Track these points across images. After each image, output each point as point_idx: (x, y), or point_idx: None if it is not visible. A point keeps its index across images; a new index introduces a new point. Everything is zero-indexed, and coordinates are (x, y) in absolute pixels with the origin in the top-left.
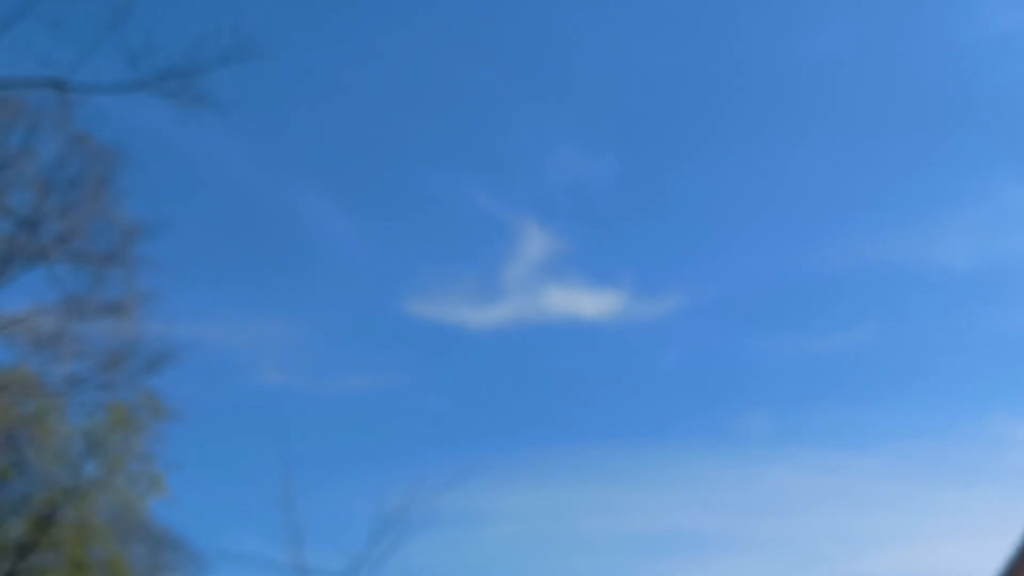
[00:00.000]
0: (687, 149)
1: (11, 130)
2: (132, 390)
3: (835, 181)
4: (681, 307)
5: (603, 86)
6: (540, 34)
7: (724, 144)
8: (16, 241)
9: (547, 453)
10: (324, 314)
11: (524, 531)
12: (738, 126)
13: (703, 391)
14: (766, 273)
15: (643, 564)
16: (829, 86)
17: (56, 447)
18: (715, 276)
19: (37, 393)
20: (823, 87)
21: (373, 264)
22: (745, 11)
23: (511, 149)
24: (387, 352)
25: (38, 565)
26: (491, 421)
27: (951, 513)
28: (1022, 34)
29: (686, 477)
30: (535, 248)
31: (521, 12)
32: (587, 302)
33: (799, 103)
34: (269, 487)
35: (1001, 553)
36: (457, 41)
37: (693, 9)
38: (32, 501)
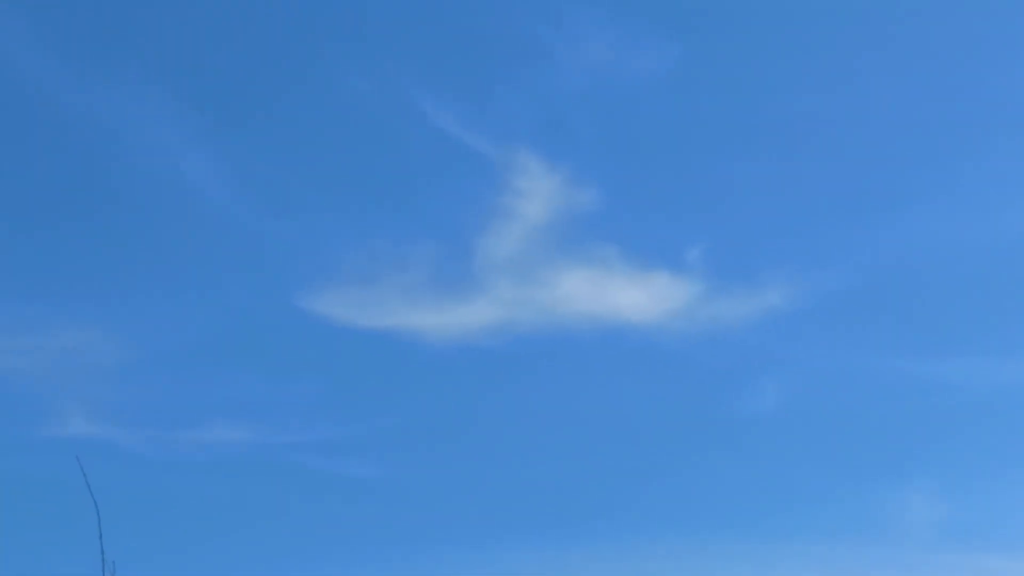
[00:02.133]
0: (796, 37)
1: None
2: None
3: None
4: (787, 306)
5: None
6: None
7: (865, 33)
8: None
9: (560, 558)
10: (166, 316)
11: None
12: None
13: (826, 450)
14: (933, 251)
15: None
16: None
17: None
18: (845, 255)
19: None
20: None
21: (251, 229)
22: None
23: (492, 32)
24: (278, 382)
25: None
26: (463, 503)
27: None
28: None
29: None
30: (538, 202)
31: None
32: (628, 296)
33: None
34: None
35: None
36: None
37: None
38: None
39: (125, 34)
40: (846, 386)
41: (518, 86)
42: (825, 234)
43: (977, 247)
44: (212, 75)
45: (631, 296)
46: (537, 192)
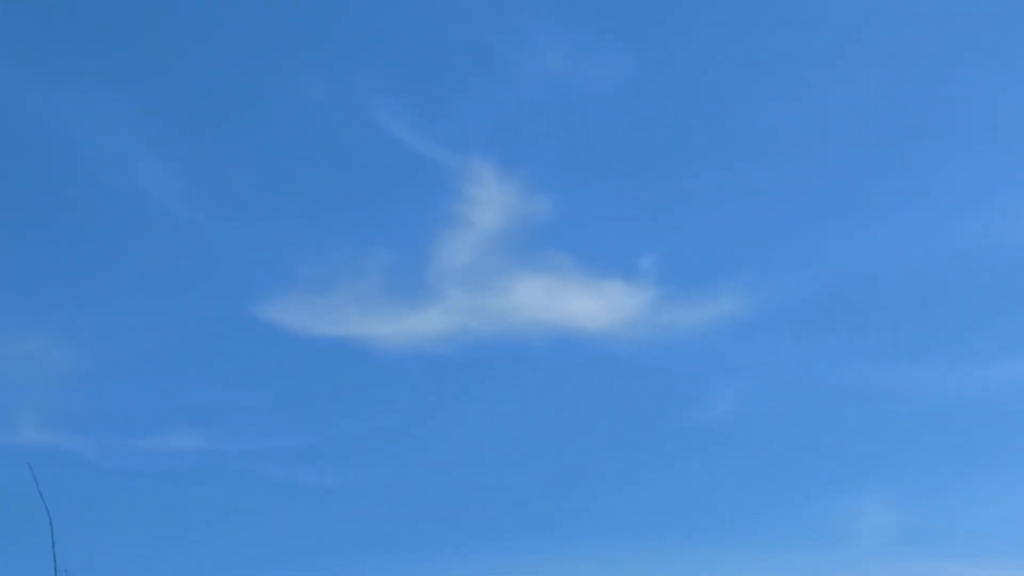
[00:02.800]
0: (751, 46)
1: None
2: None
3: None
4: (741, 314)
5: None
6: None
7: (817, 42)
8: None
9: (516, 564)
10: (121, 324)
11: None
12: (845, 14)
13: (780, 458)
14: (887, 259)
15: None
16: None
17: None
18: (800, 262)
19: None
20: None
21: (207, 238)
22: None
23: (448, 42)
24: (234, 390)
25: None
26: (418, 511)
27: None
28: None
29: None
30: (492, 211)
31: None
32: (582, 304)
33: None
34: None
35: None
36: None
37: None
38: None
39: (80, 40)
40: (801, 394)
41: (473, 95)
42: (780, 242)
43: (932, 257)
44: (168, 82)
45: (585, 304)
46: (492, 201)
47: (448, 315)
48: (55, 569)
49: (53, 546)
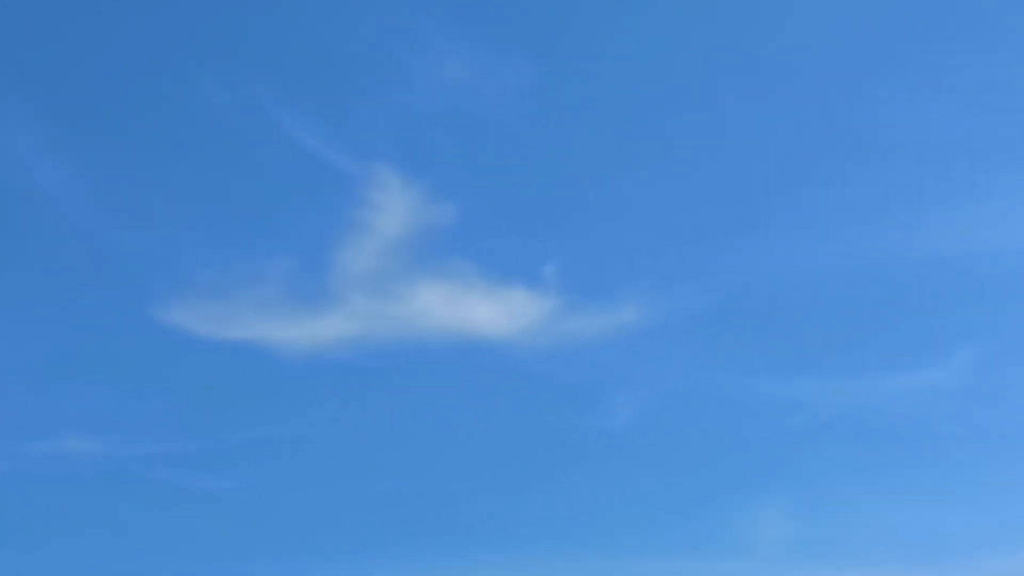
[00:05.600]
0: (652, 57)
1: None
2: None
3: (905, 123)
4: (641, 323)
5: None
6: None
7: (718, 54)
8: None
9: (417, 572)
10: (19, 328)
11: None
12: (744, 25)
13: (678, 467)
14: (782, 271)
15: None
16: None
17: None
18: (697, 273)
19: None
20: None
21: (107, 242)
22: None
23: (352, 49)
24: (131, 395)
25: None
26: (319, 517)
27: None
28: None
29: None
30: (393, 217)
31: None
32: (484, 311)
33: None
34: None
35: None
36: None
37: None
38: None
39: None
40: (699, 403)
41: (376, 102)
42: (680, 253)
43: (827, 270)
44: (67, 84)
45: (487, 311)
46: (394, 207)
47: (350, 321)
48: None
49: None
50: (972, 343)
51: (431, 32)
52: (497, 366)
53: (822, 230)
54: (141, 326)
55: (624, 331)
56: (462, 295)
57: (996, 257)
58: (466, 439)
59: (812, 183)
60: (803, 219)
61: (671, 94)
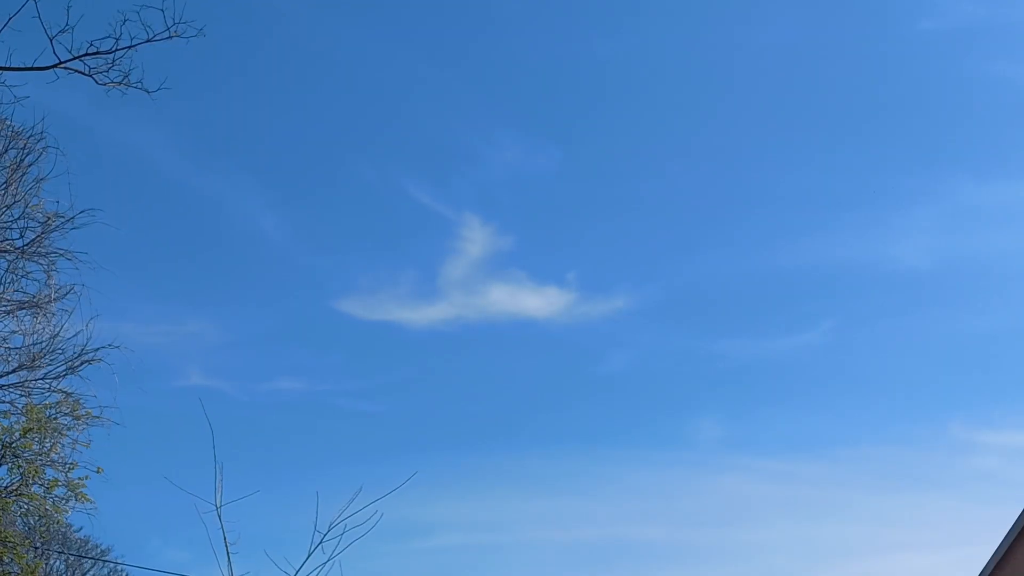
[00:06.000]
0: (632, 143)
1: None
2: (50, 392)
3: (788, 179)
4: (629, 307)
5: (543, 78)
6: (476, 25)
7: (672, 140)
8: None
9: (490, 460)
10: (252, 313)
11: (468, 542)
12: (686, 121)
13: (652, 396)
14: (717, 273)
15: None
16: (781, 80)
17: None
18: (664, 275)
19: None
20: (774, 81)
21: (304, 261)
22: (693, 1)
23: (449, 141)
24: (320, 354)
25: None
26: (432, 426)
27: (909, 522)
28: (977, 28)
29: (635, 486)
30: (476, 244)
31: (457, 3)
32: (531, 301)
33: (748, 97)
34: (196, 495)
35: (961, 562)
36: (392, 31)
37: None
38: None
39: (232, 136)
40: (665, 357)
41: (465, 174)
42: (653, 264)
43: (744, 273)
44: (276, 162)
45: (533, 302)
46: (476, 238)
47: (450, 308)
48: None
49: None
50: (831, 317)
51: (496, 130)
52: (538, 336)
53: (740, 247)
54: (324, 312)
55: (618, 312)
56: (517, 292)
57: (846, 264)
58: (518, 379)
59: (733, 217)
60: (728, 240)
61: (642, 167)
